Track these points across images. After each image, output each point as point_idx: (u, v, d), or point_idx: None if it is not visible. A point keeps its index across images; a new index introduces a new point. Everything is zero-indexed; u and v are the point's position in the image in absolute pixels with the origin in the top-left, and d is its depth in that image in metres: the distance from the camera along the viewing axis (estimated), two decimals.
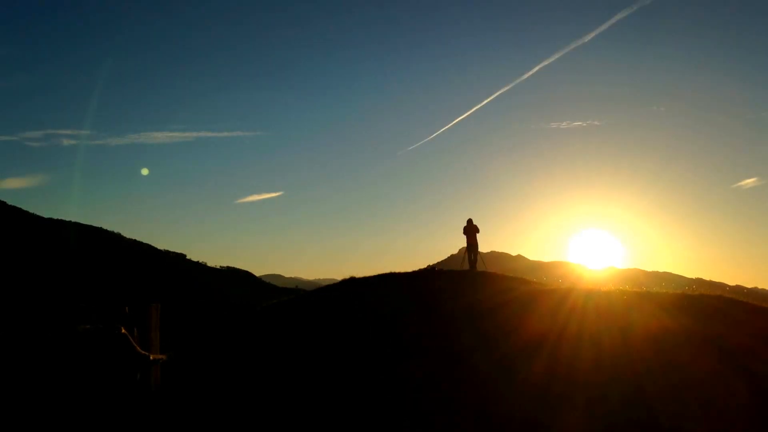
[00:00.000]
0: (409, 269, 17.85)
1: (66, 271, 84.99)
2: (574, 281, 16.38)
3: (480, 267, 19.17)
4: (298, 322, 13.45)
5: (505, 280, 15.96)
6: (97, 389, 5.35)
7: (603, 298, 11.59)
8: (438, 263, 38.42)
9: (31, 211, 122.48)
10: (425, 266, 20.03)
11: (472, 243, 19.24)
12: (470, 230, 19.24)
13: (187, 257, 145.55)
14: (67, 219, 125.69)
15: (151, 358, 5.97)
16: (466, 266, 19.13)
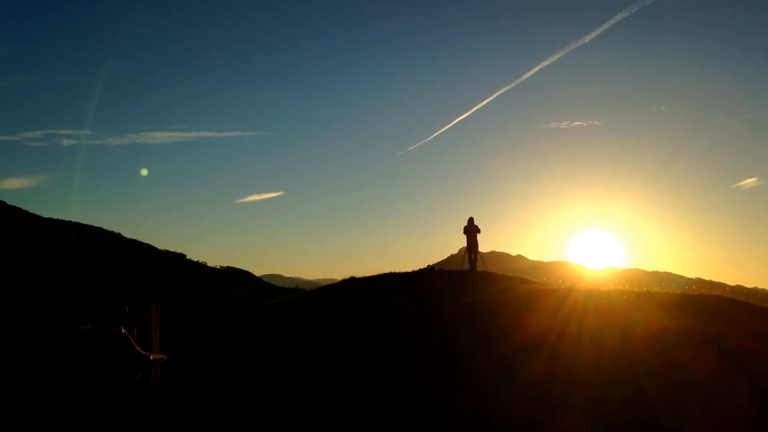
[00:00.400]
0: (409, 269, 17.86)
1: (66, 271, 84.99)
2: (574, 281, 16.37)
3: (480, 267, 19.16)
4: (298, 322, 13.45)
5: (505, 280, 15.96)
6: (97, 389, 5.35)
7: (603, 298, 11.59)
8: (438, 263, 38.40)
9: (31, 211, 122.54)
10: (425, 266, 20.04)
11: (472, 243, 19.23)
12: (471, 230, 19.24)
13: (187, 257, 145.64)
14: (67, 219, 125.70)
15: (151, 358, 5.97)
16: (466, 266, 19.11)
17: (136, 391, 5.73)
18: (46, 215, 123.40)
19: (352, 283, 16.74)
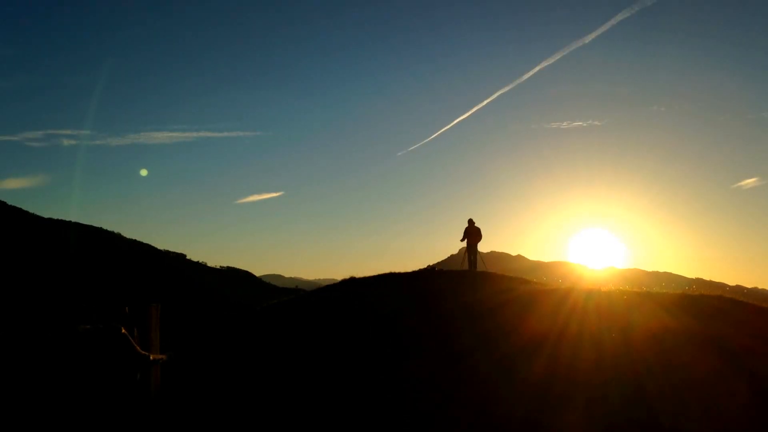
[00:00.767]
0: (409, 269, 17.87)
1: (66, 271, 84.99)
2: (574, 281, 16.37)
3: (480, 267, 19.17)
4: (298, 322, 13.45)
5: (505, 280, 15.96)
6: (97, 389, 5.35)
7: (603, 298, 11.59)
8: (438, 263, 38.40)
9: (31, 211, 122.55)
10: (425, 266, 20.03)
11: (472, 243, 19.24)
12: (471, 231, 19.24)
13: (187, 257, 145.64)
14: (67, 219, 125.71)
15: (151, 358, 5.97)
16: (466, 266, 19.12)
17: (136, 392, 5.73)
18: (46, 215, 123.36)
19: (352, 283, 16.74)
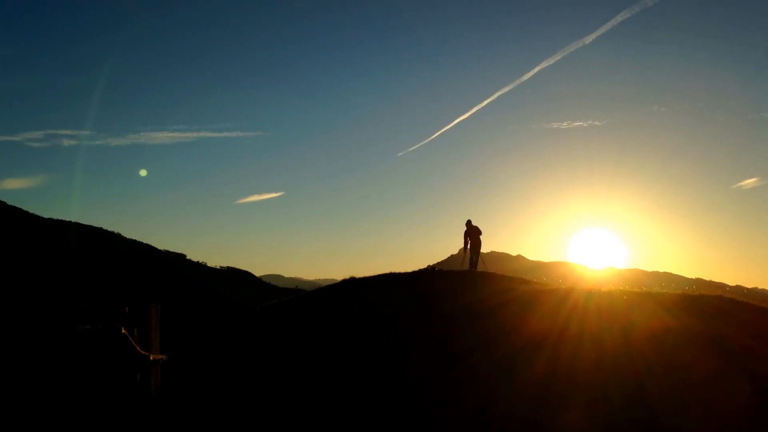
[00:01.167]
0: (409, 269, 17.87)
1: (66, 271, 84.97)
2: (574, 281, 16.36)
3: (480, 267, 19.16)
4: (298, 322, 13.45)
5: (505, 281, 15.96)
6: (97, 389, 5.35)
7: (604, 297, 11.58)
8: (438, 263, 38.40)
9: (32, 211, 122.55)
10: (425, 266, 20.03)
11: (474, 243, 19.23)
12: (471, 231, 19.24)
13: (187, 257, 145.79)
14: (68, 219, 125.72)
15: (151, 358, 5.96)
16: (466, 266, 19.12)
17: (136, 392, 5.73)
18: (46, 215, 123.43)
19: (352, 283, 16.73)
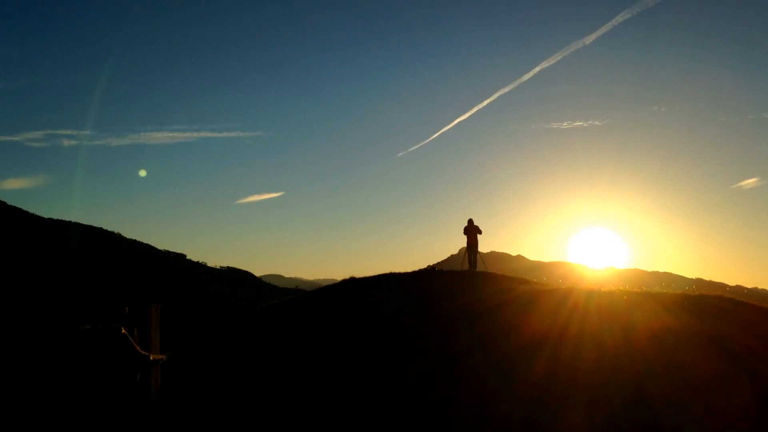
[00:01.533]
0: (409, 269, 17.88)
1: (66, 271, 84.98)
2: (574, 281, 16.37)
3: (480, 267, 19.18)
4: (298, 322, 13.44)
5: (505, 280, 15.96)
6: (97, 389, 5.35)
7: (604, 297, 11.58)
8: (438, 263, 38.41)
9: (32, 211, 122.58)
10: (425, 266, 20.05)
11: (472, 243, 19.25)
12: (471, 230, 19.25)
13: (187, 257, 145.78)
14: (68, 219, 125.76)
15: (151, 358, 5.96)
16: (466, 266, 19.13)
17: (136, 392, 5.73)
18: (46, 216, 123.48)
19: (352, 283, 16.74)
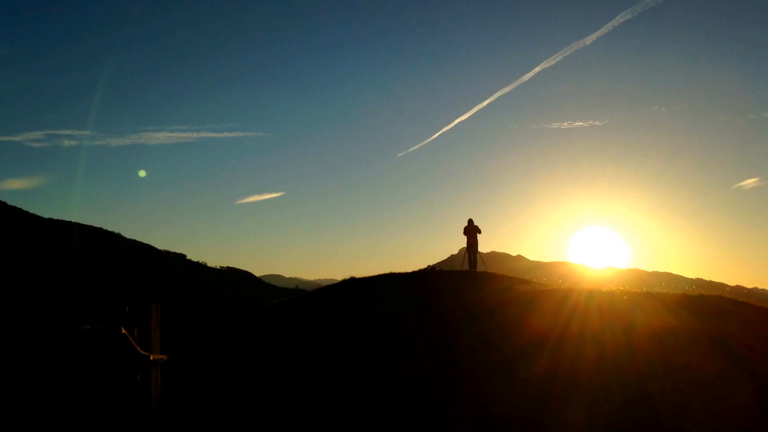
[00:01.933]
0: (409, 269, 17.87)
1: (66, 271, 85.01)
2: (574, 281, 16.36)
3: (480, 267, 19.18)
4: (299, 322, 13.44)
5: (505, 281, 15.96)
6: (97, 390, 5.35)
7: (605, 297, 11.58)
8: (438, 263, 38.44)
9: (32, 211, 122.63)
10: (425, 266, 20.06)
11: (472, 243, 19.26)
12: (471, 230, 19.26)
13: (187, 257, 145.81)
14: (68, 219, 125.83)
15: (151, 358, 5.96)
16: (466, 266, 19.14)
17: (136, 392, 5.72)
18: (46, 216, 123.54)
19: (352, 283, 16.73)
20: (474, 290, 14.28)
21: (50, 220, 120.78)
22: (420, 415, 7.88)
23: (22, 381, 5.74)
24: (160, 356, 6.58)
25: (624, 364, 8.42)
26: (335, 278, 19.74)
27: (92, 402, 5.33)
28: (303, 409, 8.37)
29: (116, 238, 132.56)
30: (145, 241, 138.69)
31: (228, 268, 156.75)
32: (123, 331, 5.62)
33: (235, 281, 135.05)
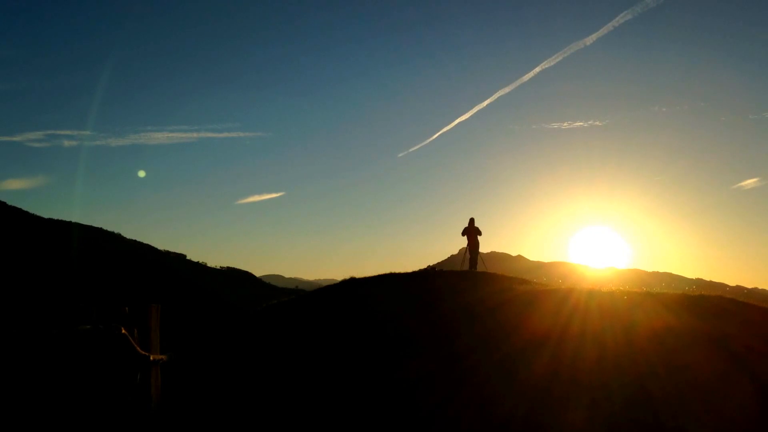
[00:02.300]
0: (409, 269, 17.83)
1: (66, 271, 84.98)
2: (575, 281, 16.35)
3: (480, 267, 19.15)
4: (298, 322, 13.44)
5: (505, 281, 15.94)
6: (97, 390, 5.34)
7: (605, 297, 11.57)
8: (438, 263, 38.43)
9: (32, 211, 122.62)
10: (425, 266, 20.03)
11: (472, 243, 19.24)
12: (471, 231, 19.24)
13: (188, 257, 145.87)
14: (68, 219, 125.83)
15: (151, 358, 5.96)
16: (466, 266, 19.11)
17: (136, 392, 5.72)
18: (46, 216, 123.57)
19: (352, 283, 16.72)
20: (474, 290, 14.27)
21: (50, 220, 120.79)
22: (420, 415, 7.88)
23: (23, 381, 5.73)
24: (160, 356, 6.58)
25: (624, 364, 8.41)
26: (335, 278, 19.75)
27: (92, 402, 5.33)
28: (303, 409, 8.36)
29: (116, 238, 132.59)
30: (145, 242, 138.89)
31: (228, 268, 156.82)
32: (123, 331, 5.61)
33: (235, 281, 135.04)
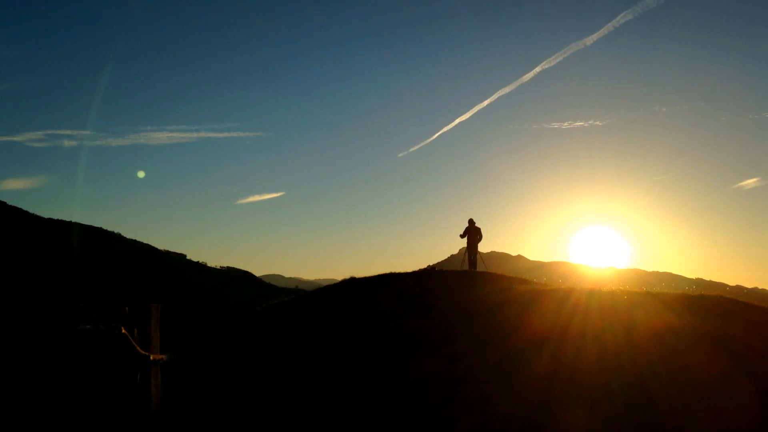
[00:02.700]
0: (409, 269, 17.84)
1: (66, 271, 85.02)
2: (575, 281, 16.36)
3: (480, 267, 19.17)
4: (298, 322, 13.44)
5: (505, 280, 15.96)
6: (97, 390, 5.34)
7: (605, 297, 11.58)
8: (438, 263, 38.38)
9: (32, 211, 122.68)
10: (425, 266, 20.04)
11: (472, 243, 19.25)
12: (471, 231, 19.25)
13: (188, 257, 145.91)
14: (68, 219, 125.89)
15: (151, 358, 5.95)
16: (466, 266, 19.12)
17: (136, 392, 5.72)
18: (46, 216, 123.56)
19: (352, 283, 16.73)
20: (474, 290, 14.27)
21: (50, 220, 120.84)
22: (420, 415, 7.88)
23: (23, 381, 5.73)
24: (160, 356, 6.57)
25: (625, 364, 8.41)
26: (335, 278, 19.73)
27: (92, 402, 5.33)
28: (303, 409, 8.36)
29: (116, 238, 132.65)
30: (145, 241, 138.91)
31: (228, 268, 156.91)
32: (123, 331, 5.61)
33: (235, 281, 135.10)
